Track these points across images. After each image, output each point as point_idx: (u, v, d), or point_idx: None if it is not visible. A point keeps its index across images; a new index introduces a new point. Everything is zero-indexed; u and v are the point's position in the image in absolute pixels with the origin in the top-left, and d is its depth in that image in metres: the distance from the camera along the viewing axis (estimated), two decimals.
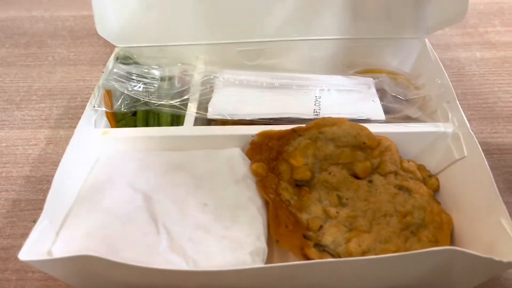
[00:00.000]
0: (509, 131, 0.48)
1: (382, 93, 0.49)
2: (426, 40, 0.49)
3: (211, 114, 0.44)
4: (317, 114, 0.43)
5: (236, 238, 0.34)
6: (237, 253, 0.33)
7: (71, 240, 0.34)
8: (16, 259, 0.39)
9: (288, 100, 0.45)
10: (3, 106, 0.56)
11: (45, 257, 0.32)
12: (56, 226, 0.35)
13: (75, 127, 0.52)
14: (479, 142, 0.46)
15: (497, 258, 0.29)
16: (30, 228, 0.41)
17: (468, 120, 0.48)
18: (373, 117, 0.42)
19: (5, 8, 0.75)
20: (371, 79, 0.47)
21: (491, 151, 0.46)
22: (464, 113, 0.49)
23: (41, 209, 0.42)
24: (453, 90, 0.42)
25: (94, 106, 0.44)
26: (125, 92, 0.44)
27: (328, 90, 0.46)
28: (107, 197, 0.36)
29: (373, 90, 0.46)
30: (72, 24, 0.71)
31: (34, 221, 0.42)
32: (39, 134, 0.52)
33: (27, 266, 0.39)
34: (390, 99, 0.48)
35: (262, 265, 0.33)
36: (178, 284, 0.35)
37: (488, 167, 0.35)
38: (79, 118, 0.53)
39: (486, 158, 0.44)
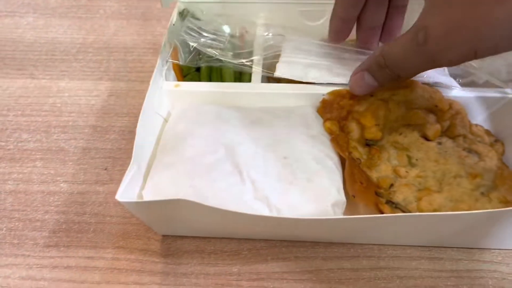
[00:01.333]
0: None
1: None
2: None
3: (278, 73, 0.44)
4: None
5: (318, 190, 0.35)
6: (319, 204, 0.34)
7: (159, 186, 0.35)
8: (94, 203, 0.41)
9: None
10: (61, 57, 0.56)
11: (139, 199, 0.34)
12: (142, 172, 0.36)
13: (134, 81, 0.53)
14: None
15: None
16: (103, 175, 0.43)
17: None
18: (446, 83, 0.42)
19: None
20: None
21: None
22: None
23: (110, 157, 0.44)
24: None
25: (166, 61, 0.44)
26: (197, 46, 0.44)
27: None
28: (189, 147, 0.37)
29: None
30: None
31: (106, 169, 0.44)
32: (99, 85, 0.53)
33: (104, 210, 0.40)
34: None
35: (346, 216, 0.34)
36: (260, 230, 0.36)
37: None
38: (138, 71, 0.54)
39: None
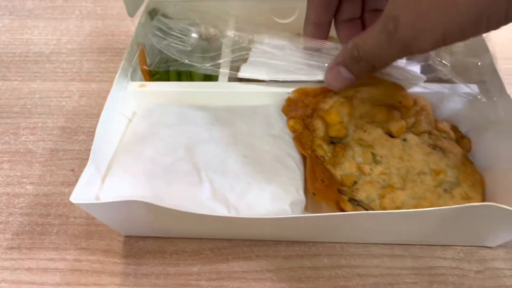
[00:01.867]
0: None
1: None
2: None
3: (241, 74, 0.44)
4: None
5: (277, 189, 0.35)
6: (277, 204, 0.34)
7: (117, 187, 0.35)
8: (58, 205, 0.41)
9: (322, 64, 0.45)
10: (34, 58, 0.56)
11: (95, 200, 0.34)
12: (101, 173, 0.36)
13: (106, 81, 0.53)
14: None
15: None
16: (69, 177, 0.43)
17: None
18: (412, 81, 0.42)
19: None
20: None
21: None
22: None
23: (79, 158, 0.44)
24: (491, 52, 0.42)
25: (133, 62, 0.44)
26: (163, 49, 0.44)
27: None
28: (150, 147, 0.37)
29: None
30: None
31: (73, 170, 0.43)
32: (71, 86, 0.53)
33: (68, 212, 0.40)
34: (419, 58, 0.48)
35: (304, 214, 0.34)
36: (220, 230, 0.36)
37: None
38: (110, 72, 0.54)
39: None
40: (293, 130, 0.40)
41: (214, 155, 0.37)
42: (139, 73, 0.46)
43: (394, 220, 0.34)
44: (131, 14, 0.48)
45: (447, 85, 0.43)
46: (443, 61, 0.45)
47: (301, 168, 0.38)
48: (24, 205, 0.41)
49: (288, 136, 0.39)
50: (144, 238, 0.38)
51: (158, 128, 0.39)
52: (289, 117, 0.41)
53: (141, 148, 0.37)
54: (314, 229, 0.36)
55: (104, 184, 0.35)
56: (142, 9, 0.50)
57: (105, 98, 0.48)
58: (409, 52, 0.33)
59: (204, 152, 0.37)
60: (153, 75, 0.48)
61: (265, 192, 0.35)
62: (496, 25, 0.28)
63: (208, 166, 0.36)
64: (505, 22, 0.28)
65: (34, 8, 0.64)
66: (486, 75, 0.42)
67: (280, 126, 0.40)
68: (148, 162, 0.36)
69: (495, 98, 0.40)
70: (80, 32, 0.60)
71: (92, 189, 0.35)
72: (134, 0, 0.48)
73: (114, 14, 0.63)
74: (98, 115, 0.47)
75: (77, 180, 0.41)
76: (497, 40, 0.52)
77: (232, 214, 0.34)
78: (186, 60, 0.45)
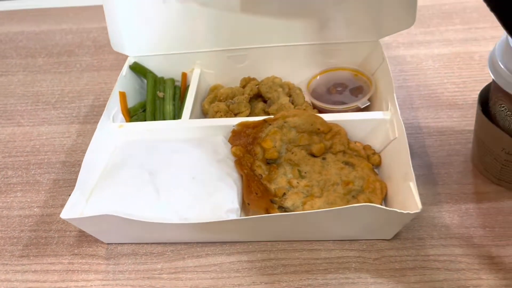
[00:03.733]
0: (449, 116, 0.58)
1: (343, 87, 0.60)
2: (379, 42, 0.59)
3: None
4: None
5: (216, 201, 0.46)
6: (217, 212, 0.45)
7: (97, 205, 0.47)
8: (58, 222, 0.52)
9: None
10: (43, 107, 0.69)
11: (78, 216, 0.45)
12: (85, 196, 0.48)
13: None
14: (423, 126, 0.57)
15: (398, 210, 0.40)
16: (67, 201, 0.55)
17: (417, 108, 0.60)
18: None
19: (39, 23, 0.89)
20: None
21: (431, 133, 0.56)
22: (414, 102, 0.60)
23: (74, 186, 0.56)
24: (393, 85, 0.52)
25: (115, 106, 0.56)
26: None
27: None
28: (122, 175, 0.49)
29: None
30: (95, 35, 0.84)
31: (69, 195, 0.55)
32: (71, 128, 0.65)
33: (66, 227, 0.52)
34: (348, 92, 0.59)
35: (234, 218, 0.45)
36: (176, 236, 0.47)
37: (407, 146, 0.45)
38: (102, 115, 0.66)
39: (426, 139, 0.55)
40: (235, 155, 0.51)
41: (170, 178, 0.48)
42: (120, 115, 0.58)
43: (305, 220, 0.44)
44: (115, 47, 0.61)
45: (360, 113, 0.53)
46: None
47: (239, 184, 0.49)
48: (32, 223, 0.53)
49: (230, 160, 0.50)
50: (122, 244, 0.49)
51: (130, 159, 0.51)
52: (233, 145, 0.52)
53: (116, 174, 0.49)
54: (248, 230, 0.47)
55: (87, 203, 0.47)
56: (125, 64, 0.63)
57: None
58: None
59: (163, 176, 0.48)
60: (132, 116, 0.60)
61: (208, 204, 0.46)
62: None
63: (165, 186, 0.47)
64: None
65: (43, 64, 0.78)
66: (390, 103, 0.52)
67: (224, 152, 0.51)
68: (121, 185, 0.48)
69: (394, 122, 0.50)
70: (80, 82, 0.73)
71: (77, 208, 0.46)
72: (117, 33, 0.61)
73: (107, 65, 0.76)
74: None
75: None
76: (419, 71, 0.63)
77: (182, 222, 0.45)
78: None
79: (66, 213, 0.44)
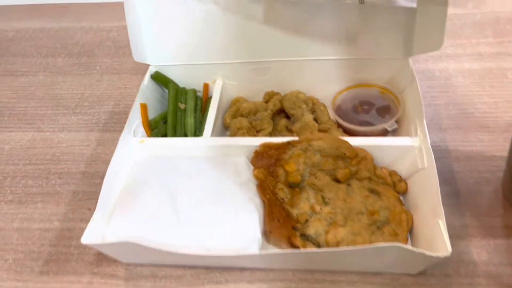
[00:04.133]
0: (478, 140, 0.56)
1: (369, 105, 0.58)
2: (410, 60, 0.57)
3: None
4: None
5: (238, 229, 0.45)
6: (238, 241, 0.45)
7: (117, 228, 0.46)
8: (78, 238, 0.52)
9: None
10: (62, 111, 0.69)
11: (100, 241, 0.45)
12: (106, 217, 0.48)
13: (119, 130, 0.64)
14: (451, 150, 0.55)
15: (427, 253, 0.39)
16: (87, 214, 0.55)
17: (445, 129, 0.58)
18: None
19: (59, 19, 0.88)
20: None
21: (460, 158, 0.55)
22: (443, 123, 0.58)
23: (94, 199, 0.55)
24: (423, 109, 0.50)
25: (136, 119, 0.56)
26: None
27: None
28: (142, 195, 0.48)
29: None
30: (115, 35, 0.82)
31: (90, 209, 0.55)
32: (90, 136, 0.65)
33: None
34: (374, 111, 0.57)
35: (255, 251, 0.44)
36: (192, 262, 0.47)
37: (437, 178, 0.44)
38: (122, 122, 0.65)
39: (454, 163, 0.53)
40: (257, 178, 0.50)
41: (191, 202, 0.47)
42: (141, 129, 0.58)
43: (328, 255, 0.44)
44: (136, 58, 0.60)
45: (387, 138, 0.52)
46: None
47: (261, 210, 0.48)
48: (52, 237, 0.53)
49: (252, 184, 0.49)
50: (141, 265, 0.49)
51: (150, 178, 0.50)
52: (256, 167, 0.51)
53: (137, 194, 0.48)
54: (269, 261, 0.46)
55: (108, 225, 0.47)
56: (147, 73, 0.62)
57: (116, 146, 0.60)
58: None
59: (184, 198, 0.47)
60: (153, 129, 0.59)
61: (228, 232, 0.45)
62: None
63: (186, 210, 0.46)
64: None
65: (63, 65, 0.77)
66: (419, 128, 0.50)
67: (246, 175, 0.50)
68: (141, 206, 0.47)
69: (423, 150, 0.48)
70: (100, 86, 0.72)
71: (98, 230, 0.46)
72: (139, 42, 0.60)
73: (128, 68, 0.75)
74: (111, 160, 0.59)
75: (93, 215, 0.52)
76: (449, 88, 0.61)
77: (203, 249, 0.44)
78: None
79: (87, 238, 0.44)
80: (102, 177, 0.58)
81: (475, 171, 0.53)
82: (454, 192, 0.51)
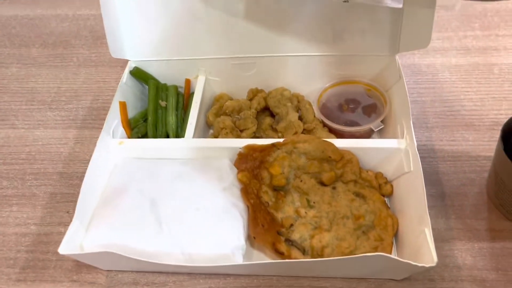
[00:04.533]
0: (465, 139, 0.56)
1: (355, 104, 0.57)
2: (396, 57, 0.56)
3: None
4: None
5: (221, 236, 0.44)
6: (221, 249, 0.43)
7: (96, 237, 0.45)
8: (56, 243, 0.50)
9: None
10: (38, 107, 0.66)
11: (78, 251, 0.43)
12: (84, 225, 0.46)
13: (98, 128, 0.62)
14: (437, 150, 0.55)
15: (413, 263, 0.38)
16: (65, 218, 0.53)
17: (431, 128, 0.57)
18: None
19: (33, 6, 0.83)
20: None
21: (446, 158, 0.54)
22: (429, 121, 0.57)
23: (73, 201, 0.53)
24: (410, 110, 0.49)
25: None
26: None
27: None
28: (122, 201, 0.47)
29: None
30: (92, 24, 0.79)
31: (68, 212, 0.53)
32: (68, 133, 0.62)
33: None
34: (360, 110, 0.56)
35: (240, 260, 0.43)
36: (175, 269, 0.46)
37: (423, 183, 0.43)
38: (101, 119, 0.63)
39: (440, 164, 0.53)
40: (241, 182, 0.49)
41: (173, 208, 0.46)
42: (121, 129, 0.56)
43: (313, 264, 0.43)
44: (114, 54, 0.57)
45: (373, 140, 0.51)
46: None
47: (245, 216, 0.47)
48: (29, 243, 0.51)
49: (236, 188, 0.48)
50: (122, 272, 0.48)
51: (130, 184, 0.48)
52: (239, 170, 0.50)
53: (116, 201, 0.47)
54: (254, 268, 0.45)
55: (86, 233, 0.45)
56: (126, 69, 0.59)
57: (95, 144, 0.57)
58: None
59: (165, 206, 0.46)
60: (133, 128, 0.57)
61: (212, 239, 0.44)
62: None
63: (168, 218, 0.45)
64: None
65: (38, 56, 0.74)
66: (405, 130, 0.49)
67: (230, 179, 0.48)
68: (121, 214, 0.46)
69: (409, 153, 0.47)
70: (77, 79, 0.70)
71: (77, 239, 0.44)
72: (117, 37, 0.57)
73: (106, 60, 0.72)
74: (89, 161, 0.57)
75: (71, 221, 0.50)
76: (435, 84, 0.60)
77: (186, 257, 0.43)
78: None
79: (65, 248, 0.42)
80: (80, 178, 0.56)
81: (460, 172, 0.53)
82: (440, 194, 0.51)
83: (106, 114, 0.62)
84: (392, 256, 0.39)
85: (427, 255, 0.40)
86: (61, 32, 0.78)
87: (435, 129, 0.57)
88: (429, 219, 0.41)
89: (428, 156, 0.54)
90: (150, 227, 0.45)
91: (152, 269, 0.46)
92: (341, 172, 0.49)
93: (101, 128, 0.53)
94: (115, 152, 0.52)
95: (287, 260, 0.43)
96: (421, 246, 0.41)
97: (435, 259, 0.38)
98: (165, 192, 0.47)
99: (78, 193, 0.53)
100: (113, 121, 0.54)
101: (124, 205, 0.46)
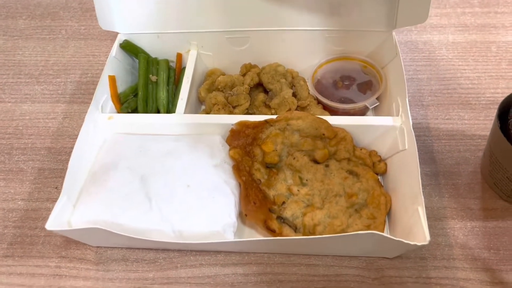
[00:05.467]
0: (460, 117, 0.55)
1: (351, 80, 0.56)
2: (393, 33, 0.54)
3: None
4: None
5: (212, 214, 0.43)
6: (212, 226, 0.43)
7: (85, 213, 0.44)
8: (44, 219, 0.50)
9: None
10: (25, 80, 0.64)
11: (66, 227, 0.43)
12: (73, 201, 0.45)
13: (87, 102, 0.61)
14: (432, 128, 0.54)
15: (405, 241, 0.38)
16: (53, 193, 0.52)
17: (427, 106, 0.56)
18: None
19: None
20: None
21: (441, 137, 0.53)
22: (425, 99, 0.57)
23: (61, 177, 0.52)
24: (406, 87, 0.48)
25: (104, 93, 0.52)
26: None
27: None
28: (112, 178, 0.46)
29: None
30: None
31: (56, 187, 0.52)
32: (56, 108, 0.61)
33: None
34: (355, 87, 0.55)
35: (231, 237, 0.43)
36: (165, 246, 0.45)
37: (418, 162, 0.43)
38: (91, 93, 0.62)
39: (435, 143, 0.52)
40: (233, 159, 0.48)
41: (163, 185, 0.45)
42: (110, 103, 0.54)
43: (305, 243, 0.42)
44: (103, 25, 0.56)
45: (368, 118, 0.50)
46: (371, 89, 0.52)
47: (236, 193, 0.46)
48: (16, 218, 0.50)
49: (227, 165, 0.47)
50: (111, 248, 0.47)
51: (119, 160, 0.47)
52: (231, 147, 0.49)
53: (105, 178, 0.46)
54: (245, 245, 0.45)
55: (74, 210, 0.44)
56: (115, 42, 0.57)
57: (84, 119, 0.56)
58: None
59: (155, 183, 0.45)
60: (123, 103, 0.56)
61: (203, 217, 0.43)
62: None
63: (158, 194, 0.44)
64: None
65: (25, 28, 0.72)
66: (401, 108, 0.48)
67: (221, 155, 0.48)
68: (110, 191, 0.45)
69: (404, 131, 0.47)
70: (65, 52, 0.68)
71: (65, 215, 0.44)
72: (106, 8, 0.55)
73: (95, 34, 0.70)
74: (78, 136, 0.55)
75: (58, 198, 0.50)
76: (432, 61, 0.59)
77: (176, 235, 0.43)
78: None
79: (52, 224, 0.41)
80: (69, 153, 0.55)
81: (455, 151, 0.52)
82: (434, 173, 0.50)
83: (94, 89, 0.61)
84: (385, 234, 0.39)
85: (419, 233, 0.39)
86: (48, 3, 0.76)
87: (430, 107, 0.56)
88: (422, 197, 0.40)
89: (423, 135, 0.54)
90: (139, 204, 0.44)
91: (141, 245, 0.46)
92: (334, 150, 0.48)
93: (90, 103, 0.51)
94: (104, 127, 0.51)
95: (278, 238, 0.43)
96: (414, 225, 0.40)
97: (428, 237, 0.38)
98: (155, 168, 0.46)
99: (66, 168, 0.53)
100: (102, 95, 0.53)
101: (114, 182, 0.45)
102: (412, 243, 0.38)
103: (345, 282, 0.44)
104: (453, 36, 0.64)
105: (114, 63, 0.56)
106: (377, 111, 0.54)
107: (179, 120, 0.51)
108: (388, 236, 0.38)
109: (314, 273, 0.44)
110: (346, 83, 0.55)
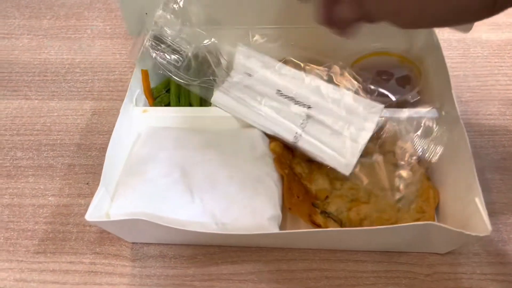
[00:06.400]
0: (501, 113, 0.54)
1: (388, 75, 0.54)
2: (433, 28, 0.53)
3: (213, 100, 0.49)
4: (295, 142, 0.45)
5: (256, 206, 0.42)
6: (257, 218, 0.41)
7: (123, 205, 0.42)
8: (76, 215, 0.48)
9: (277, 117, 0.47)
10: (52, 78, 0.63)
11: (106, 219, 0.41)
12: (110, 193, 0.43)
13: (115, 100, 0.60)
14: (473, 124, 0.52)
15: (466, 232, 0.36)
16: (84, 189, 0.50)
17: (466, 102, 0.55)
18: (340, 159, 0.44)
19: None
20: (381, 107, 0.46)
21: (483, 132, 0.52)
22: (463, 95, 0.55)
23: (92, 173, 0.51)
24: (450, 80, 0.47)
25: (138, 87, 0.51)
26: (159, 63, 0.50)
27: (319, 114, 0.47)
28: (150, 170, 0.44)
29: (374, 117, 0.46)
30: None
31: (88, 183, 0.50)
32: (84, 105, 0.59)
33: (84, 221, 0.47)
34: (393, 81, 0.53)
35: (277, 230, 0.41)
36: (211, 241, 0.43)
37: (471, 153, 0.41)
38: (118, 90, 0.60)
39: (477, 138, 0.51)
40: (273, 152, 0.46)
41: (204, 177, 0.43)
42: (143, 97, 0.53)
43: (357, 234, 0.41)
44: (132, 32, 0.54)
45: (413, 110, 0.48)
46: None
47: (279, 186, 0.44)
48: (47, 214, 0.48)
49: (268, 158, 0.46)
50: (148, 244, 0.45)
51: (157, 152, 0.46)
52: (272, 140, 0.47)
53: (143, 170, 0.44)
54: (287, 240, 0.43)
55: (113, 202, 0.42)
56: (147, 37, 0.56)
57: (114, 116, 0.55)
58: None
59: (196, 174, 0.43)
60: (155, 98, 0.54)
61: (247, 209, 0.42)
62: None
63: (200, 186, 0.43)
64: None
65: (50, 28, 0.71)
66: (446, 100, 0.47)
67: (262, 149, 0.46)
68: (149, 183, 0.43)
69: (451, 123, 0.45)
70: (92, 51, 0.67)
71: (103, 207, 0.42)
72: (135, 19, 0.54)
73: (121, 33, 0.69)
74: (108, 132, 0.54)
75: (91, 193, 0.48)
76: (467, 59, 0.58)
77: (219, 227, 0.41)
78: (175, 75, 0.50)
79: (91, 215, 0.40)
80: (99, 149, 0.54)
81: (499, 146, 0.51)
82: (479, 168, 0.48)
83: (123, 86, 0.60)
84: (443, 225, 0.37)
85: (479, 224, 0.37)
86: (72, 4, 0.75)
87: (470, 103, 0.55)
88: (479, 187, 0.39)
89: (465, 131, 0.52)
90: (180, 196, 0.42)
91: (181, 240, 0.44)
92: (380, 143, 0.47)
93: (119, 100, 0.50)
94: (138, 121, 0.50)
95: (327, 229, 0.41)
96: (471, 216, 0.39)
97: (489, 227, 0.36)
98: (195, 160, 0.45)
99: (98, 164, 0.51)
100: (136, 89, 0.52)
101: (152, 174, 0.44)
102: (473, 234, 0.36)
103: (396, 278, 0.42)
104: (486, 35, 0.63)
105: (146, 59, 0.55)
106: (417, 106, 0.53)
107: (217, 113, 0.49)
108: (448, 227, 0.37)
109: (363, 269, 0.42)
110: (384, 77, 0.54)
